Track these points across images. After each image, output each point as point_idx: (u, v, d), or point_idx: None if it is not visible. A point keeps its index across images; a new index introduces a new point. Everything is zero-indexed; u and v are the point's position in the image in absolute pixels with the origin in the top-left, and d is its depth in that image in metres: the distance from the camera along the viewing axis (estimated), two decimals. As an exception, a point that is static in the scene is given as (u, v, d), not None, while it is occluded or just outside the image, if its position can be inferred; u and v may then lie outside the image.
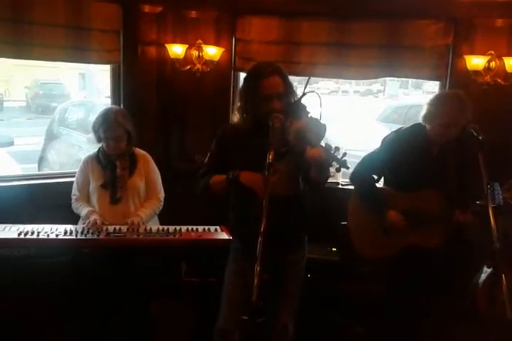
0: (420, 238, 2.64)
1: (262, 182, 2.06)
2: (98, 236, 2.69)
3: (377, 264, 2.87)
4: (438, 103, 2.61)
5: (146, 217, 2.99)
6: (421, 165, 2.64)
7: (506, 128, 3.61)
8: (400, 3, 3.58)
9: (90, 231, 2.74)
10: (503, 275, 2.14)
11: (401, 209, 2.68)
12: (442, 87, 3.80)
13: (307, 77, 3.88)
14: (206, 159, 2.44)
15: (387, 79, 12.69)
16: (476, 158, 2.37)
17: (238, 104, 2.32)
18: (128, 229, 2.80)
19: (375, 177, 2.88)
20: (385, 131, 7.19)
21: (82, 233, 2.72)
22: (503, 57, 3.53)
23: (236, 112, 2.33)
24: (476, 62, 3.55)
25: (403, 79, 12.81)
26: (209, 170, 2.40)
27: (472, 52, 3.60)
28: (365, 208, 2.80)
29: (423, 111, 2.66)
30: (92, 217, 2.86)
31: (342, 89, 19.64)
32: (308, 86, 2.35)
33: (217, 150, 2.39)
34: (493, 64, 3.53)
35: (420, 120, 2.69)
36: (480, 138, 2.41)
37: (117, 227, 2.81)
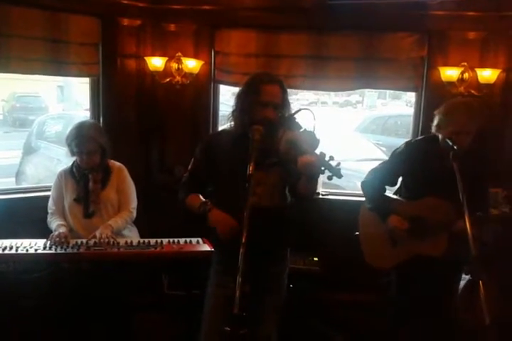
0: (426, 247, 2.62)
1: (228, 225, 2.15)
2: (78, 250, 2.67)
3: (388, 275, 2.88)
4: (447, 111, 2.60)
5: (117, 226, 2.96)
6: (435, 178, 2.60)
7: (480, 137, 3.69)
8: (375, 17, 3.66)
9: (53, 244, 2.70)
10: (481, 282, 2.17)
11: (407, 217, 2.67)
12: (418, 97, 3.88)
13: (289, 89, 3.92)
14: (190, 166, 2.43)
15: (366, 90, 12.85)
16: (483, 171, 2.36)
17: (234, 107, 2.31)
18: (94, 243, 2.76)
19: (385, 187, 2.87)
20: (363, 141, 7.30)
21: (48, 247, 2.67)
22: (476, 69, 3.63)
23: (230, 116, 2.33)
24: (449, 73, 3.64)
25: (381, 90, 13.00)
26: (191, 179, 2.40)
27: (446, 64, 3.69)
28: (374, 218, 2.79)
29: (435, 121, 2.65)
30: (57, 231, 2.83)
31: (321, 101, 19.77)
32: (288, 98, 2.36)
33: (201, 156, 2.38)
34: (466, 75, 3.63)
35: (433, 130, 2.67)
36: (455, 148, 2.44)
37: (97, 241, 2.79)
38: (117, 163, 3.12)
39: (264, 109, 2.18)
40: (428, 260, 2.59)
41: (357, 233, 2.93)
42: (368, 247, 2.85)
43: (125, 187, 3.09)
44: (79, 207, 2.99)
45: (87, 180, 2.99)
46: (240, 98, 2.28)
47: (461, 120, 2.52)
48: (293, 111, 2.25)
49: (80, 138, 2.89)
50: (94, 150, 2.93)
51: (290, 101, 2.30)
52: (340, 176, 1.96)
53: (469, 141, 2.55)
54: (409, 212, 2.68)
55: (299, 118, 2.22)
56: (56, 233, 2.81)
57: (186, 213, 2.39)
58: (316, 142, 2.04)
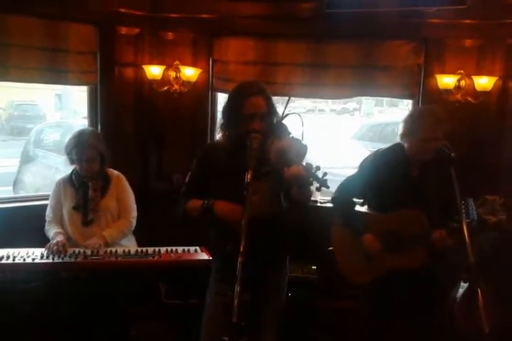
0: (402, 261, 2.60)
1: (236, 214, 2.08)
2: (76, 259, 2.66)
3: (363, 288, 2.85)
4: (415, 118, 2.62)
5: (112, 238, 2.96)
6: (402, 188, 2.62)
7: (477, 144, 3.71)
8: (372, 25, 3.68)
9: (51, 254, 2.70)
10: (479, 290, 2.17)
11: (381, 232, 2.66)
12: (415, 105, 3.89)
13: (285, 97, 3.93)
14: (187, 178, 2.43)
15: (363, 97, 12.91)
16: (450, 177, 2.39)
17: (222, 121, 2.32)
18: (92, 252, 2.75)
19: (356, 200, 2.85)
20: (361, 148, 7.32)
21: (46, 256, 2.67)
22: (472, 76, 3.65)
23: (219, 129, 2.34)
24: (446, 81, 3.66)
25: (378, 98, 13.06)
26: (189, 191, 2.39)
27: (443, 72, 3.71)
28: (347, 234, 2.76)
29: (400, 129, 2.66)
30: (55, 240, 2.82)
31: (318, 108, 19.84)
32: (274, 104, 2.35)
33: (197, 168, 2.38)
34: (463, 83, 3.64)
35: (398, 139, 2.69)
36: (452, 155, 2.45)
37: (95, 250, 2.78)
38: (116, 172, 3.12)
39: (250, 121, 2.17)
40: (406, 273, 2.57)
41: (330, 248, 2.91)
42: (343, 262, 2.81)
43: (125, 196, 3.09)
44: (78, 215, 2.99)
45: (86, 188, 2.99)
46: (226, 112, 2.28)
47: (430, 127, 2.54)
48: (281, 117, 2.26)
49: (80, 146, 2.91)
50: (94, 158, 2.93)
51: (276, 106, 2.28)
52: (327, 187, 1.95)
53: (435, 148, 2.57)
54: (383, 226, 2.66)
55: (287, 123, 2.23)
56: (54, 241, 2.80)
57: (185, 222, 2.38)
58: (303, 150, 2.05)
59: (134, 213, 3.11)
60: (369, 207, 2.83)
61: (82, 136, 2.96)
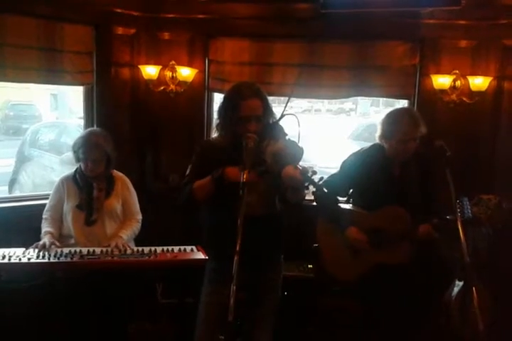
0: (388, 256, 2.65)
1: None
2: (72, 259, 2.65)
3: (350, 284, 2.87)
4: (392, 121, 2.69)
5: (128, 238, 2.98)
6: (385, 187, 2.68)
7: (472, 144, 3.73)
8: (368, 26, 3.69)
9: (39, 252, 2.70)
10: (474, 288, 2.18)
11: (366, 229, 2.70)
12: (411, 105, 3.90)
13: (283, 97, 3.94)
14: (188, 171, 2.40)
15: (359, 98, 12.91)
16: (437, 170, 2.44)
17: (217, 121, 2.33)
18: (109, 251, 2.77)
19: (340, 198, 2.90)
20: (357, 148, 7.33)
21: (41, 256, 2.65)
22: (467, 77, 3.66)
23: (215, 129, 2.34)
24: (442, 81, 3.67)
25: (374, 98, 13.07)
26: (192, 179, 2.33)
27: (438, 72, 3.72)
28: (333, 230, 2.80)
29: (378, 131, 2.73)
30: (42, 240, 2.82)
31: (315, 108, 19.83)
32: (270, 104, 2.35)
33: (198, 162, 2.36)
34: (458, 83, 3.66)
35: (377, 139, 2.76)
36: (447, 154, 2.49)
37: (91, 249, 2.77)
38: (120, 173, 3.14)
39: (246, 123, 2.18)
40: (392, 268, 2.62)
41: (316, 245, 2.93)
42: (329, 259, 2.86)
43: (131, 198, 3.12)
44: (81, 214, 2.98)
45: (90, 187, 2.99)
46: (222, 113, 2.28)
47: (408, 129, 2.62)
48: (278, 117, 2.26)
49: (88, 146, 2.91)
50: (100, 159, 2.94)
51: (272, 107, 2.29)
52: (323, 191, 1.97)
53: (414, 147, 2.65)
54: (368, 223, 2.71)
55: (284, 123, 2.23)
56: (41, 242, 2.80)
57: (182, 220, 2.38)
58: (299, 152, 2.06)
59: (140, 215, 3.15)
60: (353, 205, 2.88)
61: (91, 136, 2.97)
